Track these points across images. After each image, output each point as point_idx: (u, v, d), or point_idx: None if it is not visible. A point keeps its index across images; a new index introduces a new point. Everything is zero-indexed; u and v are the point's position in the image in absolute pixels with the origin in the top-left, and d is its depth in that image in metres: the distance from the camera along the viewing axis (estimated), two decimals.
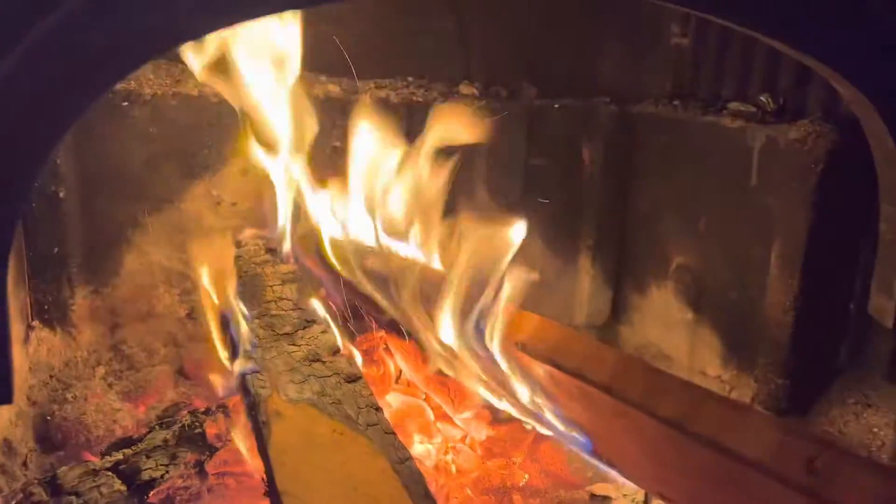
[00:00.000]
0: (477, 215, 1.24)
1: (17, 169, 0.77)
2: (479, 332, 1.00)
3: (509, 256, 1.12)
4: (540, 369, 0.90)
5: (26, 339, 1.44)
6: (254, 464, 1.12)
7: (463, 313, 1.04)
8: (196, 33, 0.85)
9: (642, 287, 1.83)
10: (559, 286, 1.89)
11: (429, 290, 1.16)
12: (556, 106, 1.77)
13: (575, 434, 1.00)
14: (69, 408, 1.40)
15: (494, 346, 0.98)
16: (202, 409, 1.27)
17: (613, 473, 1.05)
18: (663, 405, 0.71)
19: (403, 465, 1.00)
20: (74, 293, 1.48)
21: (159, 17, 0.78)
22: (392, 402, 1.48)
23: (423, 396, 1.53)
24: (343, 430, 1.05)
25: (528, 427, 1.21)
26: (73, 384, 1.45)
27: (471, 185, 1.71)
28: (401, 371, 1.55)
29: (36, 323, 1.46)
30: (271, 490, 0.95)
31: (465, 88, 1.72)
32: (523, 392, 0.98)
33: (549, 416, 0.98)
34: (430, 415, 1.48)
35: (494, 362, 0.98)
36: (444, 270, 1.17)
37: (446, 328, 1.09)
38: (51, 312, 1.47)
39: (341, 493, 0.93)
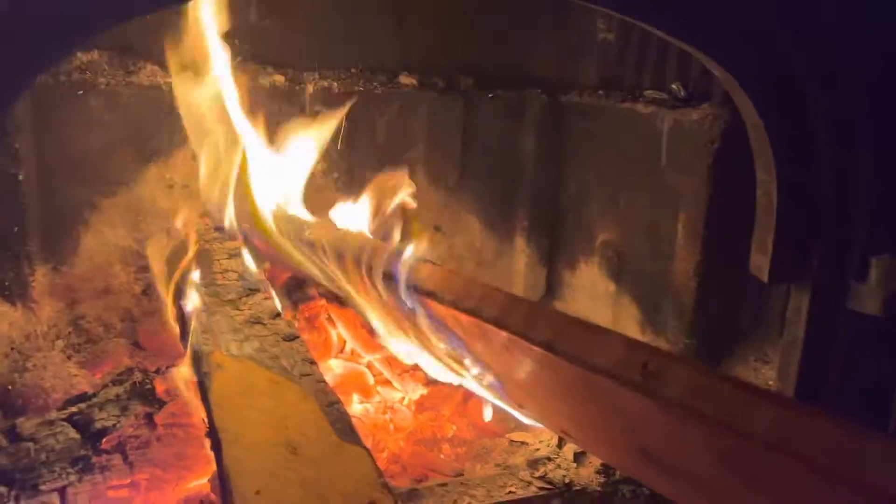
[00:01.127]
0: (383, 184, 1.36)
1: None
2: (397, 287, 1.13)
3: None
4: (446, 314, 1.03)
5: None
6: (200, 415, 1.23)
7: (384, 273, 1.16)
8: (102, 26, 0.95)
9: (573, 264, 1.97)
10: (498, 265, 2.03)
11: (359, 255, 1.27)
12: (491, 96, 1.91)
13: (487, 376, 1.13)
14: (28, 376, 1.49)
15: (408, 297, 1.10)
16: (153, 369, 1.38)
17: (518, 415, 1.19)
18: (538, 331, 0.84)
19: (331, 407, 1.12)
20: (34, 270, 1.58)
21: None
22: (336, 367, 1.60)
23: (366, 363, 1.65)
24: (278, 379, 1.16)
25: (455, 383, 1.34)
26: (33, 355, 1.55)
27: (411, 170, 1.85)
28: (345, 342, 1.68)
29: None
30: (211, 430, 1.06)
31: (404, 79, 1.84)
32: (439, 338, 1.11)
33: (461, 360, 1.11)
34: (371, 379, 1.60)
35: (412, 313, 1.10)
36: (366, 235, 1.29)
37: (371, 288, 1.21)
38: (11, 289, 1.57)
39: (272, 429, 1.05)
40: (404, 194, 1.42)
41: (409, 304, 1.09)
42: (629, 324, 1.76)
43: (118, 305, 1.67)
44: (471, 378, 1.16)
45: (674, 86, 1.69)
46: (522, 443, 1.36)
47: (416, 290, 1.08)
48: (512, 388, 1.07)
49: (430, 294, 1.05)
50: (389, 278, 1.15)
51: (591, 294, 1.90)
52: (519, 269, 2.03)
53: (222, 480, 0.99)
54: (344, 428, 1.08)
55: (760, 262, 1.23)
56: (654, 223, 1.65)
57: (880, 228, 1.15)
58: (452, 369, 1.24)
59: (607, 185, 1.81)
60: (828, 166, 1.15)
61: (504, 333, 0.89)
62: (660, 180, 1.62)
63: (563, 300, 2.02)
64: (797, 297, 1.23)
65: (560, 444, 1.33)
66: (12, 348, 1.55)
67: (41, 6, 0.92)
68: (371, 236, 1.27)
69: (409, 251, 1.11)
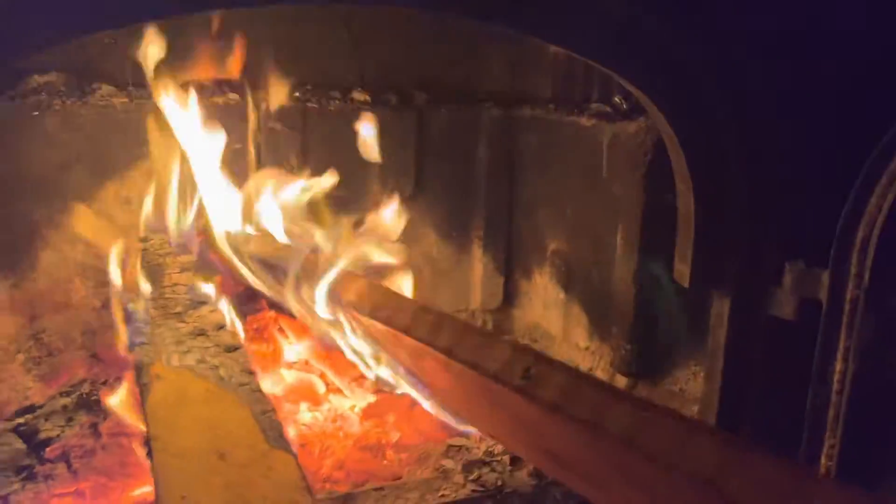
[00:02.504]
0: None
1: None
2: (326, 298, 1.17)
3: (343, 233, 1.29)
4: (366, 324, 1.08)
5: None
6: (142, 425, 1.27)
7: (316, 285, 1.21)
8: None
9: (528, 273, 2.01)
10: (455, 274, 2.07)
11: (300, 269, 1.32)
12: (444, 111, 1.96)
13: (416, 384, 1.17)
14: None
15: (330, 309, 1.15)
16: (101, 381, 1.42)
17: (454, 421, 1.23)
18: (441, 338, 0.88)
19: (264, 415, 1.17)
20: None
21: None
22: (287, 377, 1.64)
23: (319, 373, 1.70)
24: (215, 389, 1.21)
25: (399, 392, 1.38)
26: None
27: (366, 182, 1.90)
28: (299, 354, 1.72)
29: None
30: (146, 439, 1.11)
31: (357, 95, 1.89)
32: (365, 348, 1.15)
33: (390, 368, 1.15)
34: (322, 388, 1.64)
35: (337, 323, 1.15)
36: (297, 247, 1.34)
37: (309, 300, 1.26)
38: None
39: (204, 436, 1.09)
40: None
41: (329, 314, 1.14)
42: (578, 331, 1.81)
43: (78, 319, 1.71)
44: (406, 385, 1.20)
45: (616, 99, 1.74)
46: (461, 447, 1.40)
47: (339, 300, 1.13)
48: (436, 393, 1.12)
49: (351, 304, 1.09)
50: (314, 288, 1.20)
51: (545, 302, 1.94)
52: (476, 278, 2.08)
53: (155, 486, 1.03)
54: (274, 435, 1.13)
55: (682, 270, 1.27)
56: (597, 233, 1.69)
57: (794, 235, 1.20)
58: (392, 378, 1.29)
59: (556, 195, 1.86)
60: (741, 177, 1.20)
61: (411, 340, 0.94)
62: (602, 191, 1.66)
63: (521, 308, 2.07)
64: (718, 303, 1.28)
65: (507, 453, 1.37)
66: None
67: None
68: (301, 248, 1.31)
69: (333, 264, 1.16)
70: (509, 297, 2.09)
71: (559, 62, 1.93)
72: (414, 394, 1.20)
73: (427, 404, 1.17)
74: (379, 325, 1.02)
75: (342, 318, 1.13)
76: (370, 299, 1.06)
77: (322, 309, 1.16)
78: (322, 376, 1.67)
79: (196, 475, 1.03)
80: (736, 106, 1.16)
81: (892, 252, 1.07)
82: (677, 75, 1.14)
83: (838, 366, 1.14)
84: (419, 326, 0.93)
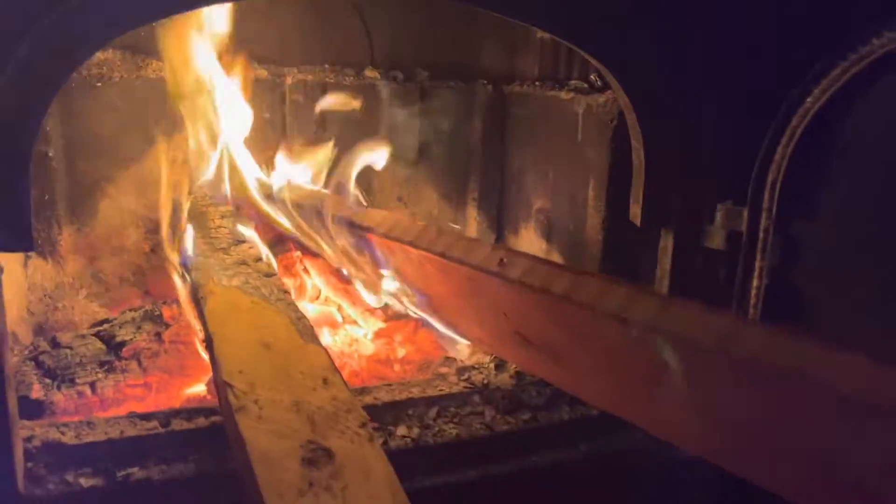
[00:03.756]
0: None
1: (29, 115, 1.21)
2: (345, 228, 1.46)
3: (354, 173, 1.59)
4: (380, 242, 1.36)
5: (25, 265, 1.87)
6: (198, 335, 1.57)
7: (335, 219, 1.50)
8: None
9: (516, 228, 2.31)
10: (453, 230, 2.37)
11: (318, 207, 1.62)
12: (443, 87, 2.25)
13: (414, 292, 1.47)
14: (59, 314, 1.84)
15: (351, 231, 1.44)
16: (162, 301, 1.72)
17: (447, 331, 1.53)
18: (436, 246, 1.17)
19: (299, 321, 1.46)
20: (62, 231, 1.91)
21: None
22: (310, 309, 1.94)
23: (336, 307, 2.00)
24: (258, 302, 1.50)
25: (410, 316, 1.69)
26: (62, 300, 1.89)
27: None
28: (320, 291, 2.02)
29: (32, 254, 1.89)
30: (206, 334, 1.40)
31: (369, 72, 2.18)
32: (380, 265, 1.44)
33: (397, 284, 1.45)
34: (339, 318, 1.94)
35: (357, 245, 1.44)
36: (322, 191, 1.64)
37: (330, 232, 1.56)
38: (43, 246, 1.90)
39: (252, 333, 1.38)
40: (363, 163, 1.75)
41: (352, 237, 1.44)
42: None
43: (131, 262, 2.01)
44: (408, 300, 1.50)
45: (592, 76, 2.02)
46: (456, 359, 1.70)
47: (358, 226, 1.43)
48: (433, 300, 1.42)
49: (368, 229, 1.38)
50: (341, 223, 1.49)
51: (532, 252, 2.23)
52: (471, 234, 2.37)
53: (214, 365, 1.33)
54: (308, 334, 1.42)
55: (635, 211, 1.56)
56: (573, 190, 1.99)
57: (722, 180, 1.49)
58: (395, 297, 1.59)
59: (540, 161, 2.16)
60: (681, 135, 1.49)
61: (416, 251, 1.23)
62: (577, 154, 1.95)
63: None
64: (664, 238, 1.57)
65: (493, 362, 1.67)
66: (45, 294, 1.90)
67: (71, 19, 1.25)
68: (327, 192, 1.60)
69: (352, 199, 1.46)
70: None
71: (545, 45, 2.22)
72: (416, 311, 1.50)
73: (426, 317, 1.47)
74: (390, 243, 1.31)
75: (360, 239, 1.42)
76: (383, 224, 1.35)
77: (340, 235, 1.46)
78: (339, 309, 1.97)
79: (248, 358, 1.32)
80: (676, 78, 1.45)
81: (792, 190, 1.36)
82: (629, 52, 1.43)
83: (755, 282, 1.43)
84: (421, 239, 1.23)
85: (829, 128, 1.32)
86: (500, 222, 2.36)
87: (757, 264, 1.42)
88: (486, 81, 2.29)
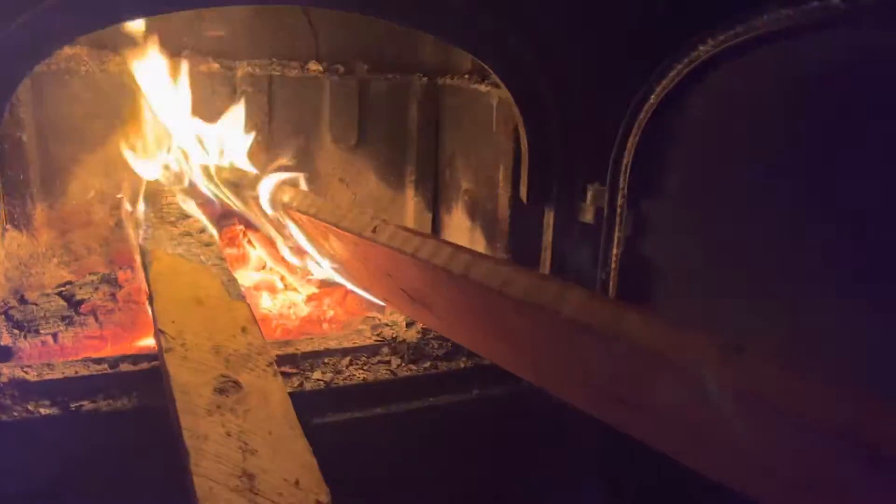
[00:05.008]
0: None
1: None
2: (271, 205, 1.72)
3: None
4: (300, 220, 1.62)
5: (2, 237, 2.13)
6: (146, 292, 1.83)
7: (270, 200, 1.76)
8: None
9: (449, 208, 2.56)
10: (392, 210, 2.62)
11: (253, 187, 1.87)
12: (382, 79, 2.49)
13: (333, 266, 1.73)
14: (33, 279, 2.10)
15: (274, 211, 1.70)
16: (118, 268, 1.98)
17: (365, 294, 1.79)
18: (331, 216, 1.42)
19: (230, 282, 1.72)
20: (35, 207, 2.17)
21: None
22: (254, 277, 2.20)
23: (279, 276, 2.26)
24: (197, 266, 1.76)
25: (336, 283, 1.95)
26: (35, 267, 2.15)
27: (318, 134, 2.44)
28: (265, 262, 2.28)
29: (9, 227, 2.15)
30: (149, 293, 1.66)
31: (312, 66, 2.43)
32: (300, 241, 1.70)
33: (316, 256, 1.71)
34: (279, 285, 2.20)
35: (280, 222, 1.70)
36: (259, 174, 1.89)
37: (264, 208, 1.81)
38: (19, 220, 2.16)
39: (188, 291, 1.64)
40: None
41: (271, 212, 1.69)
42: (479, 248, 2.36)
43: (97, 234, 2.26)
44: (327, 268, 1.76)
45: None
46: (374, 318, 1.97)
47: (279, 203, 1.68)
48: (343, 266, 1.68)
49: (293, 207, 1.64)
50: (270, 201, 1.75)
51: (459, 230, 2.49)
52: (410, 214, 2.63)
53: (153, 317, 1.59)
54: (235, 293, 1.68)
55: (523, 191, 1.82)
56: (490, 173, 2.24)
57: (591, 165, 1.74)
58: (318, 265, 1.85)
59: (466, 147, 2.41)
60: (557, 126, 1.74)
61: (320, 223, 1.49)
62: (492, 141, 2.20)
63: (445, 236, 2.61)
64: (547, 214, 1.82)
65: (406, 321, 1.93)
66: (20, 262, 2.15)
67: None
68: (261, 174, 1.86)
69: (276, 180, 1.72)
70: (436, 228, 2.64)
71: None
72: (334, 275, 1.76)
73: (343, 281, 1.72)
74: (300, 216, 1.57)
75: (283, 217, 1.68)
76: (304, 204, 1.61)
77: (268, 209, 1.71)
78: (282, 279, 2.23)
79: (181, 311, 1.58)
80: (550, 78, 1.70)
81: (639, 173, 1.61)
82: (508, 53, 1.68)
83: (614, 251, 1.69)
84: (321, 213, 1.48)
85: (666, 121, 1.56)
86: (436, 203, 2.61)
87: (615, 235, 1.68)
88: (422, 74, 2.53)
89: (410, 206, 2.62)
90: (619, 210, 1.66)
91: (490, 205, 2.26)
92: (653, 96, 1.56)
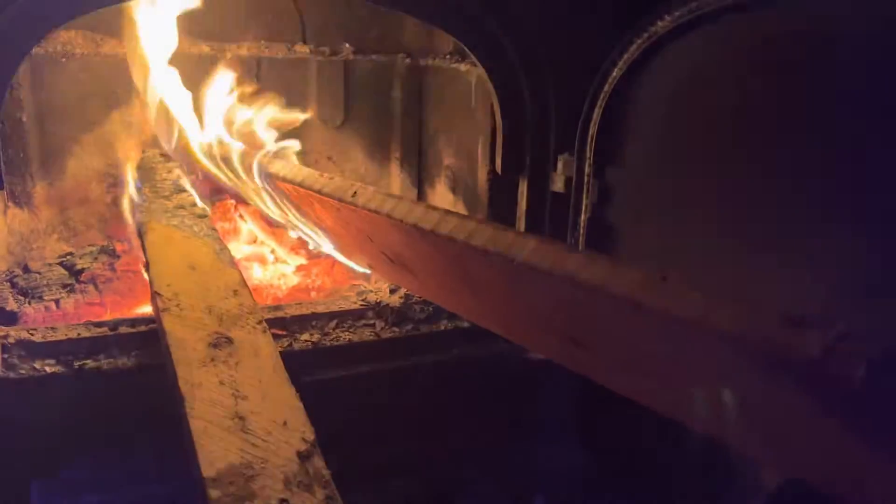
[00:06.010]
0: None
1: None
2: (259, 176, 1.83)
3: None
4: (288, 189, 1.72)
5: (4, 214, 2.23)
6: (142, 261, 1.93)
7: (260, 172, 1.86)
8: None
9: (433, 183, 2.67)
10: (379, 187, 2.72)
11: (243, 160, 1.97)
12: (366, 60, 2.59)
13: (321, 235, 1.84)
14: (34, 252, 2.20)
15: (263, 180, 1.80)
16: (116, 240, 2.09)
17: (351, 264, 1.90)
18: (316, 184, 1.53)
19: (222, 251, 1.82)
20: (35, 185, 2.27)
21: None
22: (245, 250, 2.31)
23: (269, 249, 2.36)
24: (190, 236, 1.87)
25: (322, 251, 2.05)
26: (36, 241, 2.25)
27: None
28: (256, 235, 2.39)
29: (9, 204, 2.25)
30: (146, 261, 1.77)
31: (299, 48, 2.52)
32: (290, 210, 1.81)
33: (305, 226, 1.81)
34: (270, 257, 2.31)
35: (271, 193, 1.80)
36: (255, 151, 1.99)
37: (254, 180, 1.91)
38: (20, 198, 2.26)
39: (181, 258, 1.75)
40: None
41: (261, 183, 1.80)
42: None
43: (95, 211, 2.36)
44: (317, 236, 1.87)
45: None
46: (360, 286, 2.07)
47: (266, 175, 1.79)
48: (328, 233, 1.78)
49: (280, 178, 1.74)
50: (260, 173, 1.86)
51: (442, 204, 2.58)
52: (395, 190, 2.73)
53: (150, 282, 1.69)
54: (227, 260, 1.79)
55: (498, 163, 1.93)
56: (470, 148, 2.34)
57: (561, 136, 1.85)
58: (308, 235, 1.96)
59: (448, 124, 2.51)
60: (529, 100, 1.84)
61: (304, 191, 1.59)
62: (472, 118, 2.30)
63: None
64: (521, 184, 1.93)
65: (389, 287, 2.04)
66: (22, 238, 2.26)
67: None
68: (252, 148, 1.97)
69: (266, 151, 1.82)
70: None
71: None
72: (316, 239, 1.87)
73: (329, 250, 1.83)
74: (288, 186, 1.68)
75: (271, 187, 1.78)
76: (292, 174, 1.71)
77: (258, 181, 1.82)
78: (272, 251, 2.34)
79: (176, 275, 1.69)
80: (522, 54, 1.80)
81: (604, 143, 1.72)
82: (484, 34, 1.78)
83: (582, 217, 1.80)
84: (307, 180, 1.59)
85: (628, 92, 1.67)
86: (420, 179, 2.72)
87: (584, 203, 1.78)
88: (405, 55, 2.63)
89: (396, 182, 2.72)
90: (586, 179, 1.76)
91: (470, 179, 2.36)
92: (615, 70, 1.67)
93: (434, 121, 2.61)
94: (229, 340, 1.52)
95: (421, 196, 2.74)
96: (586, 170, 1.76)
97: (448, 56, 2.55)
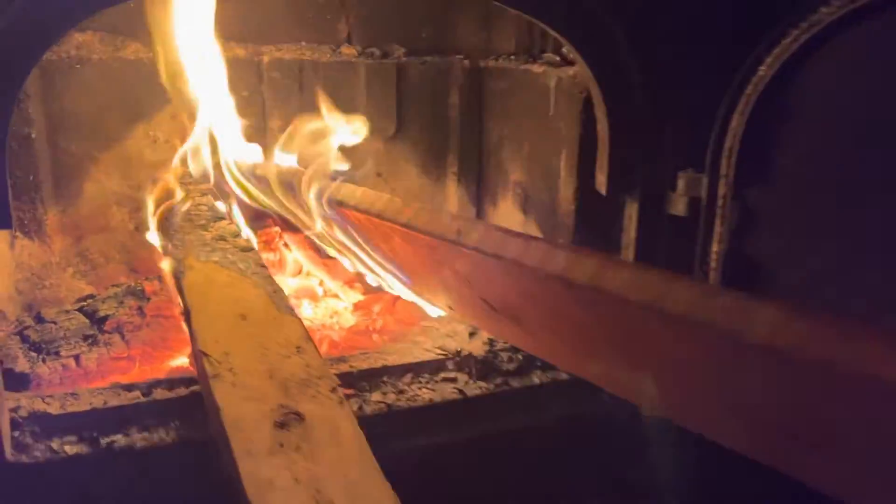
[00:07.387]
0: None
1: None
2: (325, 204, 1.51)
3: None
4: (352, 216, 1.41)
5: (12, 246, 1.91)
6: (178, 307, 1.62)
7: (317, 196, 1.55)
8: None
9: (495, 201, 2.35)
10: (433, 205, 2.41)
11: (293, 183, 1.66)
12: (420, 63, 2.28)
13: (396, 271, 1.52)
14: (46, 291, 1.89)
15: (327, 207, 1.49)
16: (144, 277, 1.77)
17: (424, 303, 1.58)
18: (401, 217, 1.21)
19: (275, 293, 1.51)
20: (47, 212, 1.96)
21: None
22: (292, 284, 1.99)
23: (317, 282, 2.05)
24: (235, 276, 1.55)
25: (385, 288, 1.74)
26: (49, 278, 1.94)
27: None
28: (301, 266, 2.07)
29: (17, 234, 1.93)
30: (184, 307, 1.45)
31: (345, 50, 2.21)
32: (355, 241, 1.49)
33: (376, 259, 1.50)
34: (320, 292, 1.99)
35: (334, 221, 1.49)
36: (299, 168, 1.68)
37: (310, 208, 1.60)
38: (29, 226, 1.95)
39: (229, 305, 1.43)
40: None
41: (327, 212, 1.48)
42: None
43: (115, 240, 2.05)
44: (383, 271, 1.55)
45: (564, 49, 2.05)
46: (431, 328, 1.75)
47: (333, 202, 1.47)
48: (408, 271, 1.46)
49: (340, 203, 1.43)
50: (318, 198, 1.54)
51: (508, 225, 2.28)
52: (452, 208, 2.42)
53: (192, 337, 1.38)
54: (283, 305, 1.47)
55: (601, 180, 1.61)
56: (547, 162, 2.02)
57: (682, 149, 1.53)
58: (371, 270, 1.64)
59: (516, 134, 2.19)
60: (643, 106, 1.52)
61: (384, 223, 1.28)
62: (550, 127, 1.99)
63: None
64: (630, 206, 1.61)
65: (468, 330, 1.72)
66: (32, 273, 1.94)
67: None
68: (303, 169, 1.65)
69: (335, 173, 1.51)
70: None
71: (521, 19, 2.25)
72: (389, 279, 1.55)
73: (399, 286, 1.51)
74: (359, 215, 1.36)
75: (333, 214, 1.47)
76: (353, 197, 1.40)
77: (316, 209, 1.50)
78: (320, 283, 2.02)
79: (224, 328, 1.37)
80: (637, 50, 1.49)
81: (747, 157, 1.40)
82: (589, 25, 1.47)
83: (714, 247, 1.48)
84: (387, 211, 1.27)
85: (781, 95, 1.35)
86: (480, 196, 2.40)
87: (716, 229, 1.47)
88: (462, 56, 2.32)
89: (453, 199, 2.41)
90: (720, 201, 1.44)
91: (547, 197, 2.05)
92: (763, 67, 1.35)
93: (497, 130, 2.29)
94: (299, 417, 1.20)
95: (481, 215, 2.42)
96: (721, 190, 1.44)
97: (513, 56, 2.24)
